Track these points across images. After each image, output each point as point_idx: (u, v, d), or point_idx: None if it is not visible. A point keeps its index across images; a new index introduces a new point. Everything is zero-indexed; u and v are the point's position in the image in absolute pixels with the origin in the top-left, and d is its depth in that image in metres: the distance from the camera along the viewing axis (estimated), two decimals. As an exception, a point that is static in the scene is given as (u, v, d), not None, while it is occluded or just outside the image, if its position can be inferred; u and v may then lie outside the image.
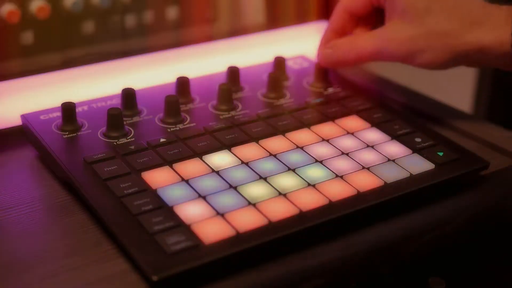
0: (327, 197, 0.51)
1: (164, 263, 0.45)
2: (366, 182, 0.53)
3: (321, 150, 0.57)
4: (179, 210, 0.49)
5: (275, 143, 0.57)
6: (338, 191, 0.52)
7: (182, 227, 0.48)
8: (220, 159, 0.55)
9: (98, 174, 0.52)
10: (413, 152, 0.57)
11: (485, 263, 0.58)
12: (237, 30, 0.74)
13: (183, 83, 0.63)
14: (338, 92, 0.66)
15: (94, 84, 0.65)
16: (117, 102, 0.62)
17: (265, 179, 0.53)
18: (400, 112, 0.64)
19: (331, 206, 0.51)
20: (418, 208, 0.54)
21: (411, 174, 0.54)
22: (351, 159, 0.56)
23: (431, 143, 0.58)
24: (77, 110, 0.59)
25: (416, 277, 0.54)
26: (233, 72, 0.65)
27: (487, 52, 0.59)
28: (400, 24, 0.61)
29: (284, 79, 0.67)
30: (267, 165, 0.54)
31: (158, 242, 0.46)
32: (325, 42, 0.67)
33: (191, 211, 0.49)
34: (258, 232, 0.48)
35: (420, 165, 0.55)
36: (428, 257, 0.53)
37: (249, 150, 0.56)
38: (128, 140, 0.57)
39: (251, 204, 0.50)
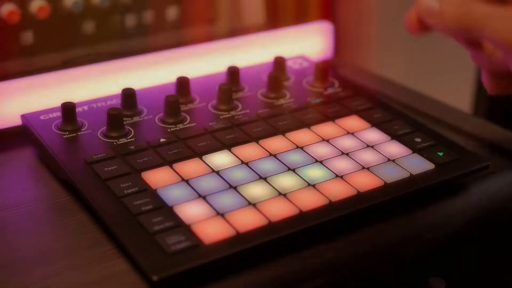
0: (327, 197, 0.51)
1: (164, 263, 0.45)
2: (366, 182, 0.53)
3: (321, 150, 0.57)
4: (179, 210, 0.49)
5: (275, 143, 0.57)
6: (338, 191, 0.52)
7: (182, 227, 0.48)
8: (220, 159, 0.55)
9: (98, 174, 0.52)
10: (413, 152, 0.57)
11: (485, 263, 0.58)
12: (237, 30, 0.74)
13: (183, 83, 0.63)
14: (338, 92, 0.66)
15: (94, 84, 0.65)
16: (117, 102, 0.62)
17: (265, 179, 0.53)
18: (400, 112, 0.64)
19: (331, 206, 0.51)
20: (418, 208, 0.54)
21: (411, 174, 0.54)
22: (351, 159, 0.56)
23: (431, 143, 0.58)
24: (77, 110, 0.59)
25: (416, 277, 0.54)
26: (233, 72, 0.65)
27: None
28: None
29: (284, 79, 0.67)
30: (267, 165, 0.54)
31: (158, 242, 0.46)
32: None
33: (191, 211, 0.49)
34: (258, 232, 0.48)
35: (420, 165, 0.55)
36: (428, 257, 0.53)
37: (249, 150, 0.56)
38: (128, 140, 0.57)
39: (251, 204, 0.50)
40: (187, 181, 0.52)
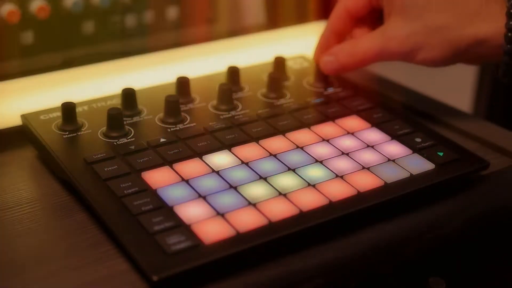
0: (327, 197, 0.51)
1: (164, 263, 0.45)
2: (366, 182, 0.53)
3: (321, 150, 0.57)
4: (179, 210, 0.49)
5: (275, 143, 0.57)
6: (338, 191, 0.52)
7: (182, 227, 0.48)
8: (220, 159, 0.55)
9: (98, 174, 0.52)
10: (413, 152, 0.57)
11: (485, 263, 0.58)
12: (237, 30, 0.74)
13: (183, 83, 0.63)
14: (338, 92, 0.66)
15: (94, 84, 0.65)
16: (117, 102, 0.62)
17: (265, 179, 0.53)
18: (400, 112, 0.64)
19: (331, 206, 0.51)
20: (418, 208, 0.54)
21: (411, 174, 0.54)
22: (351, 159, 0.56)
23: (431, 143, 0.58)
24: (77, 110, 0.59)
25: (416, 277, 0.54)
26: (233, 72, 0.65)
27: (486, 45, 0.59)
28: (400, 21, 0.61)
29: (284, 79, 0.67)
30: (267, 165, 0.54)
31: (158, 242, 0.46)
32: (324, 43, 0.67)
33: (191, 211, 0.49)
34: (258, 232, 0.48)
35: (420, 165, 0.55)
36: (428, 257, 0.53)
37: (249, 150, 0.56)
38: (128, 140, 0.57)
39: (251, 204, 0.50)
40: (187, 181, 0.52)
